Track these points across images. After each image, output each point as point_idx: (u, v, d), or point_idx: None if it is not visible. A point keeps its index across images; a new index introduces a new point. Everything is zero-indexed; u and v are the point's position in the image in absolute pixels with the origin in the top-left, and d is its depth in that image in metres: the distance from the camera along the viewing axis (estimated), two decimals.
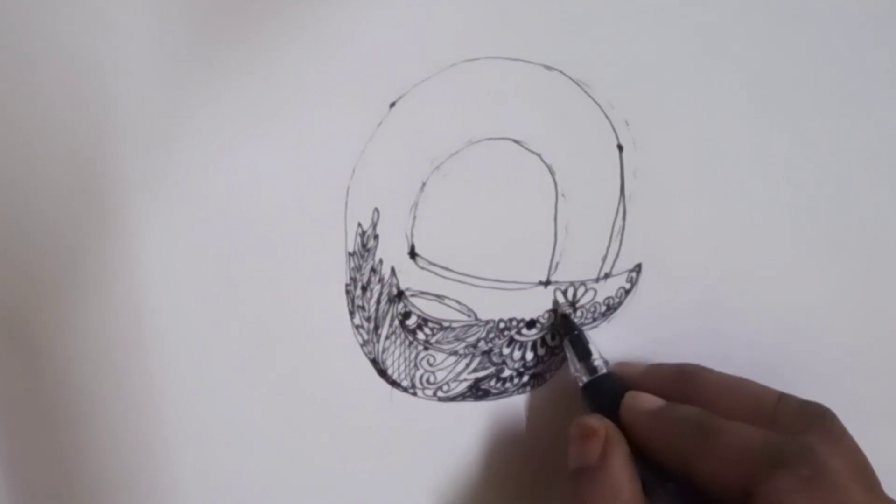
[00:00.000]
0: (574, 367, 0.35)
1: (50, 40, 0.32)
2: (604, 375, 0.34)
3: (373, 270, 0.35)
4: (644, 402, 0.33)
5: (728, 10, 0.36)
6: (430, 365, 0.36)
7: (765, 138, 0.37)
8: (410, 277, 0.35)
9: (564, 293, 0.36)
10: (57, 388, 0.34)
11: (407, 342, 0.36)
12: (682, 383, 0.33)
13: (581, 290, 0.36)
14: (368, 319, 0.35)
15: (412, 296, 0.35)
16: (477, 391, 0.36)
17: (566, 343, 0.35)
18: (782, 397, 0.32)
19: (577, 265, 0.36)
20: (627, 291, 0.37)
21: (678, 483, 0.31)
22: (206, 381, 0.34)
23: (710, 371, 0.34)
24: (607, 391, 0.34)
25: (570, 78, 0.35)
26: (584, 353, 0.35)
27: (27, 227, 0.33)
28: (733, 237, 0.37)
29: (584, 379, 0.35)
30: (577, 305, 0.37)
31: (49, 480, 0.34)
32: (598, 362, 0.35)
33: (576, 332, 0.35)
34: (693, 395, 0.33)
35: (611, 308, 0.37)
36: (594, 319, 0.37)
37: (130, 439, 0.34)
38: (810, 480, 0.28)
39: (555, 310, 0.36)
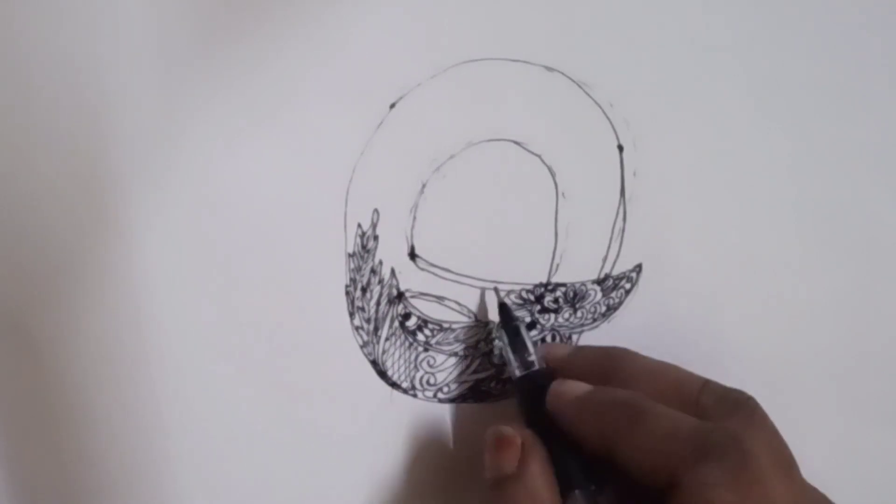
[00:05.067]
0: (508, 358, 0.34)
1: (50, 41, 0.32)
2: (536, 370, 0.34)
3: (373, 271, 0.35)
4: (571, 387, 0.32)
5: (728, 10, 0.36)
6: (431, 366, 0.36)
7: (765, 138, 0.37)
8: (410, 278, 0.35)
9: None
10: (57, 387, 0.34)
11: (407, 343, 0.36)
12: (609, 367, 0.33)
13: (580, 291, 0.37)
14: (368, 321, 0.35)
15: (412, 297, 0.35)
16: (477, 393, 0.36)
17: (501, 333, 0.35)
18: (706, 384, 0.32)
19: (578, 266, 0.36)
20: (627, 292, 0.37)
21: (599, 486, 0.31)
22: (206, 381, 0.34)
23: (637, 355, 0.34)
24: (539, 385, 0.33)
25: (570, 79, 0.35)
26: (519, 346, 0.34)
27: (27, 227, 0.33)
28: (733, 237, 0.37)
29: (518, 373, 0.34)
30: (578, 306, 0.36)
31: (49, 480, 0.34)
32: (532, 357, 0.34)
33: (513, 324, 0.35)
34: (619, 378, 0.32)
35: (611, 308, 0.37)
36: (594, 320, 0.37)
37: (130, 439, 0.34)
38: (735, 472, 0.27)
39: (495, 298, 0.36)
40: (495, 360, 0.36)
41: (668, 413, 0.30)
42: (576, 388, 0.32)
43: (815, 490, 0.30)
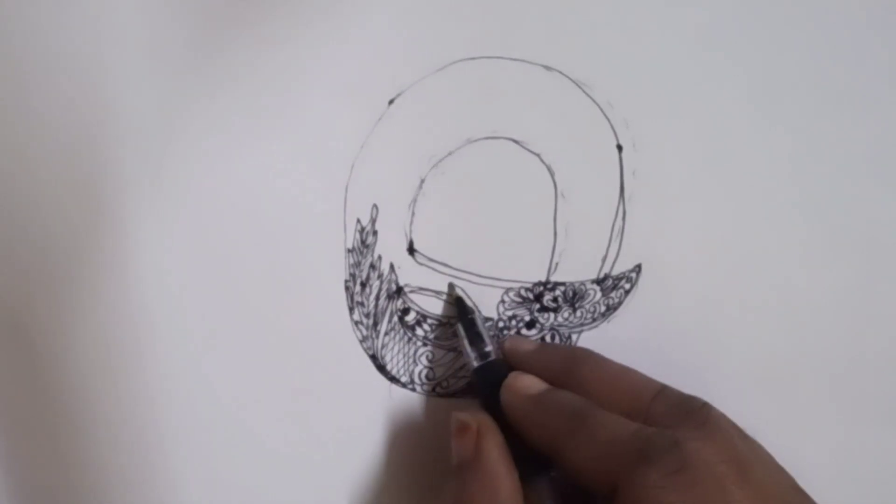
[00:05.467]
0: (465, 350, 0.35)
1: (49, 41, 0.32)
2: (492, 361, 0.34)
3: (372, 267, 0.35)
4: (525, 384, 0.33)
5: (728, 9, 0.36)
6: (429, 361, 0.36)
7: (765, 138, 0.37)
8: (409, 274, 0.36)
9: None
10: (56, 387, 0.34)
11: (406, 338, 0.36)
12: (568, 367, 0.33)
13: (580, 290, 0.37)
14: (367, 315, 0.35)
15: (411, 292, 0.36)
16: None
17: (458, 326, 0.35)
18: (662, 390, 0.32)
19: (577, 265, 0.37)
20: (627, 292, 0.37)
21: (561, 472, 0.31)
22: (205, 379, 0.35)
23: (598, 358, 0.34)
24: (496, 376, 0.34)
25: (569, 78, 0.35)
26: (475, 337, 0.34)
27: (27, 227, 0.33)
28: (733, 237, 0.37)
29: (475, 363, 0.34)
30: (577, 305, 0.37)
31: (48, 480, 0.35)
32: (488, 348, 0.34)
33: (469, 317, 0.35)
34: (577, 380, 0.33)
35: (611, 308, 0.37)
36: (594, 319, 0.37)
37: (129, 438, 0.34)
38: (677, 475, 0.27)
39: (449, 293, 0.36)
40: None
41: (611, 419, 0.30)
42: (529, 385, 0.33)
43: (787, 494, 0.30)
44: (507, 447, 0.32)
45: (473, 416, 0.32)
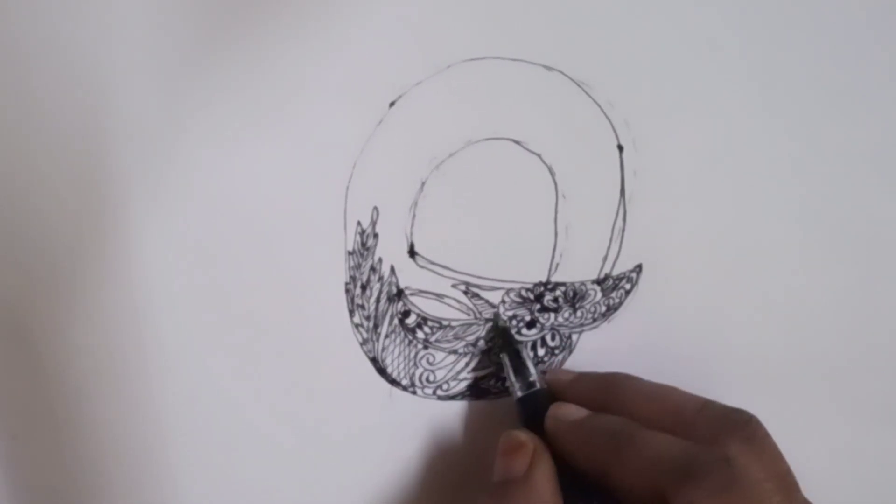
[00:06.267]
0: (510, 380, 0.35)
1: (50, 41, 0.32)
2: (537, 391, 0.34)
3: (372, 269, 0.35)
4: (567, 412, 0.33)
5: (729, 9, 0.36)
6: (430, 364, 0.36)
7: (765, 138, 0.37)
8: (410, 276, 0.35)
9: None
10: (56, 387, 0.34)
11: (406, 341, 0.36)
12: (609, 392, 0.33)
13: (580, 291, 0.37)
14: (368, 318, 0.35)
15: (411, 294, 0.36)
16: (477, 390, 0.36)
17: (503, 357, 0.35)
18: (706, 405, 0.32)
19: (578, 265, 0.37)
20: (628, 292, 0.37)
21: (603, 500, 0.31)
22: (205, 380, 0.34)
23: (636, 379, 0.34)
24: (540, 405, 0.34)
25: (570, 78, 0.35)
26: (520, 367, 0.35)
27: (27, 227, 0.33)
28: (733, 237, 0.37)
29: (519, 393, 0.35)
30: (578, 305, 0.37)
31: (49, 480, 0.34)
32: (532, 378, 0.35)
33: (514, 347, 0.35)
34: (618, 403, 0.33)
35: (611, 308, 0.37)
36: (594, 320, 0.37)
37: (130, 439, 0.34)
38: (724, 492, 0.27)
39: (495, 322, 0.36)
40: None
41: (658, 437, 0.30)
42: (572, 412, 0.33)
43: None
44: (556, 472, 0.32)
45: (528, 436, 0.33)
